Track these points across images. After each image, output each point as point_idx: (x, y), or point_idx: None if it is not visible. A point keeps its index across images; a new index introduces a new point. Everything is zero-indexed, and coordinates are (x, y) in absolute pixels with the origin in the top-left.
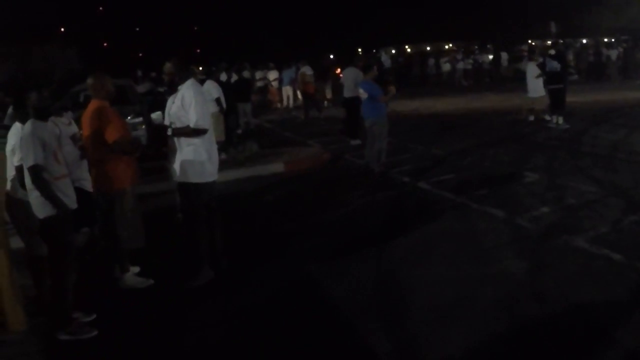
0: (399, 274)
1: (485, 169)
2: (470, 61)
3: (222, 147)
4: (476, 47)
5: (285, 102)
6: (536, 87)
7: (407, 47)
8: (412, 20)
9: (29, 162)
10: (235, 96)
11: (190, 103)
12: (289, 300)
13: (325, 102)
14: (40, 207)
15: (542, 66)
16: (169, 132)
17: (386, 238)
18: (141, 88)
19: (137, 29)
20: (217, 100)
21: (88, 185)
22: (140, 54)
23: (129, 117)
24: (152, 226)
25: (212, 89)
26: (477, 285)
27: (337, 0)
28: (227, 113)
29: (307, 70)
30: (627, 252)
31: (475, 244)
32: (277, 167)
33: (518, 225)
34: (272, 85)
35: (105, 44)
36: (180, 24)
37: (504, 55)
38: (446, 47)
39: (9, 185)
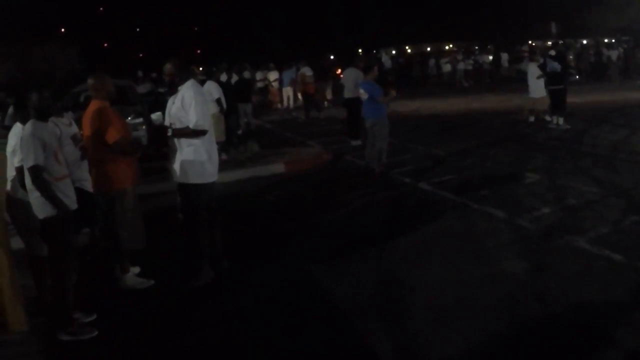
0: (399, 274)
1: (486, 169)
2: (471, 62)
3: (223, 147)
4: (476, 47)
5: (285, 103)
6: (537, 87)
7: (407, 47)
8: (413, 20)
9: (29, 163)
10: (235, 97)
11: (190, 104)
12: (289, 300)
13: (326, 103)
14: (40, 208)
15: (542, 67)
16: (169, 132)
17: (386, 238)
18: (142, 88)
19: (138, 30)
20: (218, 101)
21: (88, 186)
22: (141, 55)
23: (129, 118)
24: (153, 226)
25: (212, 89)
26: (478, 285)
27: (338, 0)
28: (228, 113)
29: (306, 71)
30: (627, 253)
31: (475, 244)
32: (277, 167)
33: (519, 226)
34: (272, 86)
35: (105, 45)
36: (181, 25)
37: (504, 56)
38: (446, 47)
39: (9, 186)
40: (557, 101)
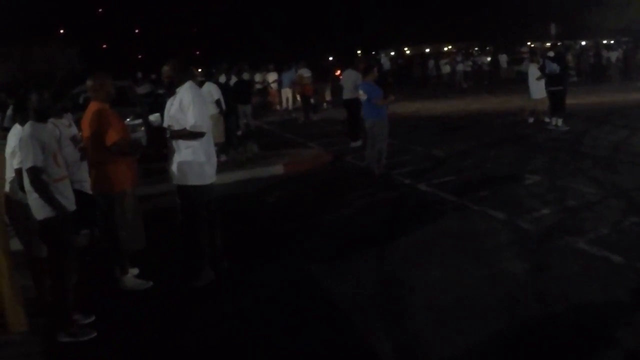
0: (399, 274)
1: (486, 170)
2: (470, 63)
3: (222, 148)
4: (476, 48)
5: (284, 104)
6: (538, 88)
7: (406, 48)
8: (412, 21)
9: (28, 164)
10: (235, 98)
11: (189, 105)
12: (289, 301)
13: (325, 104)
14: (39, 209)
15: (541, 68)
16: (167, 134)
17: (386, 239)
18: (141, 90)
19: (137, 31)
20: (217, 102)
21: (88, 187)
22: (140, 56)
23: (128, 119)
24: (153, 227)
25: (212, 90)
26: (478, 285)
27: (337, 2)
28: (227, 115)
29: (304, 72)
30: (627, 254)
31: (475, 245)
32: (277, 168)
33: (518, 227)
34: (271, 87)
35: (104, 46)
36: (180, 26)
37: (503, 57)
38: (445, 48)
39: (8, 187)
40: (556, 102)
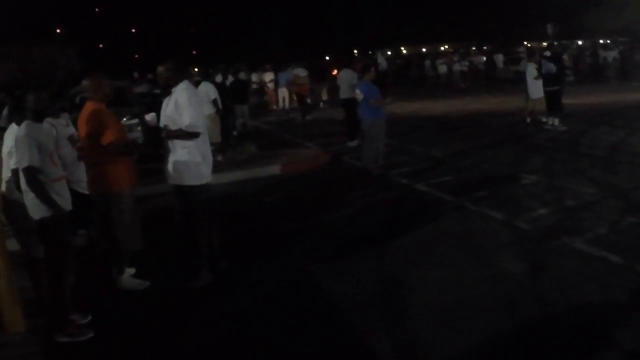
0: (398, 274)
1: (484, 170)
2: (467, 63)
3: (220, 148)
4: (474, 48)
5: (281, 104)
6: (536, 88)
7: (403, 48)
8: (409, 21)
9: (24, 164)
10: (232, 98)
11: (184, 105)
12: (289, 301)
13: (321, 104)
14: (35, 209)
15: (538, 68)
16: (163, 134)
17: (385, 239)
18: (137, 89)
19: (133, 30)
20: (214, 102)
21: (86, 187)
22: (137, 56)
23: (124, 119)
24: (151, 228)
25: (209, 90)
26: (477, 286)
27: (335, 2)
28: (224, 115)
29: (300, 72)
30: (625, 254)
31: (474, 245)
32: (274, 168)
33: (517, 227)
34: (267, 87)
35: (101, 45)
36: (178, 25)
37: (500, 57)
38: (442, 48)
39: (4, 187)
40: (553, 102)
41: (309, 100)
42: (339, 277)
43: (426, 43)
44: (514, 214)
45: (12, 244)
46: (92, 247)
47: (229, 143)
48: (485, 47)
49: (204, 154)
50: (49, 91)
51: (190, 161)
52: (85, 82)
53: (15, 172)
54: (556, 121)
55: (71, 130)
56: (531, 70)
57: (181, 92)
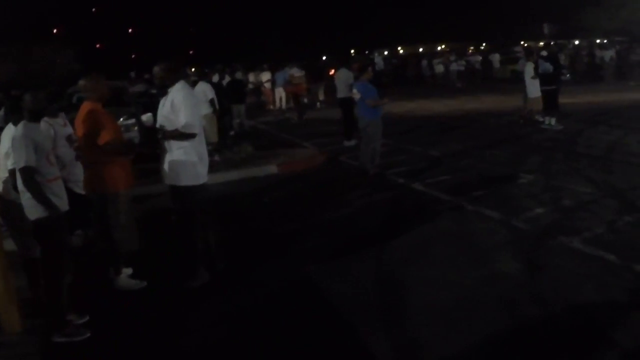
0: (397, 274)
1: (482, 170)
2: (463, 62)
3: (216, 148)
4: (472, 48)
5: (278, 104)
6: (534, 88)
7: (399, 48)
8: (406, 21)
9: (21, 164)
10: (229, 97)
11: (180, 106)
12: (288, 301)
13: (318, 103)
14: (32, 209)
15: (535, 68)
16: (160, 134)
17: (384, 239)
18: (134, 89)
19: (130, 30)
20: (211, 102)
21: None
22: (133, 56)
23: (121, 119)
24: (147, 228)
25: (206, 89)
26: (476, 285)
27: (332, 1)
28: (221, 115)
29: (295, 71)
30: (622, 253)
31: (472, 245)
32: (271, 168)
33: (515, 227)
34: (264, 87)
35: (98, 45)
36: (174, 25)
37: (496, 57)
38: (439, 48)
39: (1, 188)
40: (549, 102)
41: (305, 100)
42: (338, 277)
43: (423, 43)
44: (512, 214)
45: (9, 244)
46: (89, 247)
47: (225, 143)
48: (483, 47)
49: (201, 154)
50: (46, 91)
51: (186, 161)
52: (81, 82)
53: (12, 172)
54: (553, 121)
55: (69, 130)
56: (529, 69)
57: (177, 93)
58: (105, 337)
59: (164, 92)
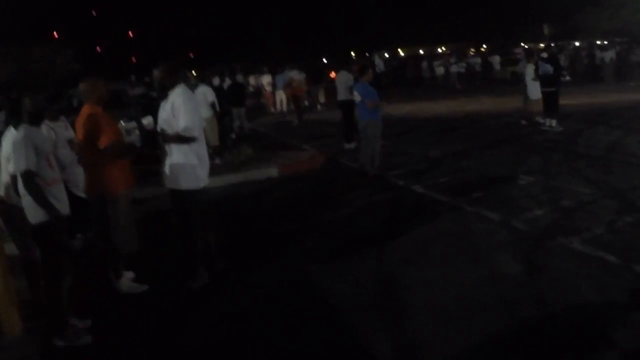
0: (397, 275)
1: (481, 171)
2: (464, 64)
3: (217, 151)
4: (472, 50)
5: (278, 107)
6: (535, 89)
7: (400, 50)
8: (406, 22)
9: (21, 167)
10: (229, 100)
11: (180, 109)
12: (288, 301)
13: (319, 106)
14: (32, 212)
15: (535, 69)
16: (160, 138)
17: (384, 239)
18: (134, 92)
19: (130, 33)
20: (212, 105)
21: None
22: (134, 59)
23: (122, 122)
24: (148, 230)
25: (207, 92)
26: (475, 286)
27: (332, 4)
28: (221, 117)
29: (295, 74)
30: (622, 254)
31: (472, 246)
32: (272, 171)
33: (514, 228)
34: (265, 89)
35: (98, 49)
36: (175, 27)
37: (496, 58)
38: (439, 50)
39: (2, 191)
40: (549, 103)
41: (306, 103)
42: (338, 277)
43: (423, 44)
44: (512, 215)
45: (10, 248)
46: (90, 249)
47: (226, 146)
48: (483, 48)
49: (201, 157)
50: (45, 93)
51: (186, 164)
52: (81, 85)
53: (13, 176)
54: (553, 122)
55: (70, 133)
56: (530, 71)
57: (177, 96)
58: (106, 339)
59: (164, 95)
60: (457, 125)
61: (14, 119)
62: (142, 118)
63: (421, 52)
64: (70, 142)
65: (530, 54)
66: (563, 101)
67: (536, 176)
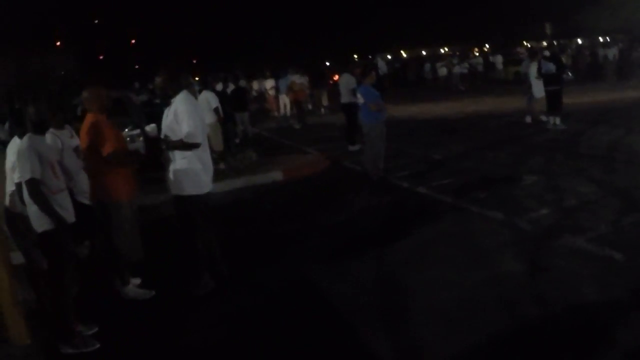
0: (399, 276)
1: (484, 171)
2: (466, 65)
3: (221, 156)
4: (476, 50)
5: (282, 111)
6: (539, 88)
7: (402, 52)
8: (406, 24)
9: (26, 176)
10: (232, 105)
11: (183, 116)
12: (289, 301)
13: (322, 109)
14: (38, 221)
15: (537, 68)
16: (163, 145)
17: (386, 240)
18: (138, 99)
19: (133, 41)
20: (216, 110)
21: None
22: (137, 66)
23: (126, 129)
24: (153, 237)
25: (210, 98)
26: (477, 286)
27: (335, 4)
28: (225, 122)
29: (296, 78)
30: (626, 252)
31: (475, 246)
32: (276, 175)
33: (517, 227)
34: (269, 94)
35: (101, 57)
36: (176, 32)
37: (498, 58)
38: (442, 51)
39: (8, 200)
40: (553, 102)
41: (310, 106)
42: (339, 278)
43: (426, 45)
44: (515, 215)
45: (16, 257)
46: (95, 257)
47: (230, 151)
48: (486, 48)
49: (204, 163)
50: (48, 102)
51: (190, 170)
52: (84, 94)
53: (18, 185)
54: (557, 120)
55: (76, 141)
56: (534, 70)
57: (180, 103)
58: (113, 347)
59: (167, 102)
60: (460, 126)
61: (19, 129)
62: (145, 125)
63: (424, 53)
64: (77, 149)
65: (534, 53)
66: (566, 100)
67: (539, 176)
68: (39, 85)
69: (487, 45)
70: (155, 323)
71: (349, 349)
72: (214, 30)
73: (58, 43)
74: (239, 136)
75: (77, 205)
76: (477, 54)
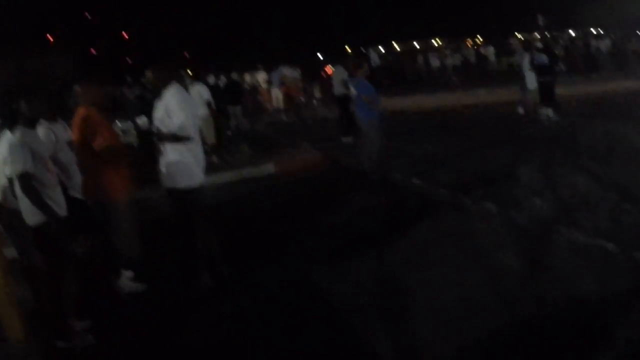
0: (398, 275)
1: (481, 167)
2: (459, 56)
3: (214, 150)
4: (470, 42)
5: (275, 104)
6: (532, 80)
7: (395, 44)
8: (400, 17)
9: (18, 170)
10: (225, 99)
11: (174, 109)
12: (289, 301)
13: (315, 102)
14: (30, 215)
15: (530, 60)
16: (155, 138)
17: (385, 239)
18: (130, 93)
19: (127, 36)
20: (208, 103)
21: None
22: (130, 61)
23: (119, 123)
24: (149, 233)
25: (202, 91)
26: (477, 285)
27: None
28: (218, 116)
29: (288, 72)
30: (624, 244)
31: (474, 244)
32: (269, 168)
33: (516, 223)
34: (261, 87)
35: (93, 51)
36: (169, 25)
37: (491, 50)
38: (435, 44)
39: (0, 195)
40: (546, 93)
41: (302, 99)
42: (339, 278)
43: (418, 37)
44: (513, 210)
45: (10, 252)
46: (90, 252)
47: (222, 144)
48: (479, 40)
49: (196, 155)
50: (41, 97)
51: (180, 162)
52: (75, 88)
53: (10, 179)
54: (550, 111)
55: (69, 134)
56: (527, 62)
57: (171, 96)
58: (108, 342)
59: (158, 95)
60: (455, 120)
61: (10, 123)
62: (138, 119)
63: (416, 45)
64: (70, 143)
65: (527, 45)
66: (558, 92)
67: (536, 169)
68: (39, 85)
69: (479, 37)
70: (155, 323)
71: (349, 349)
72: (206, 22)
73: (51, 38)
74: (232, 130)
75: (70, 200)
76: (469, 41)
